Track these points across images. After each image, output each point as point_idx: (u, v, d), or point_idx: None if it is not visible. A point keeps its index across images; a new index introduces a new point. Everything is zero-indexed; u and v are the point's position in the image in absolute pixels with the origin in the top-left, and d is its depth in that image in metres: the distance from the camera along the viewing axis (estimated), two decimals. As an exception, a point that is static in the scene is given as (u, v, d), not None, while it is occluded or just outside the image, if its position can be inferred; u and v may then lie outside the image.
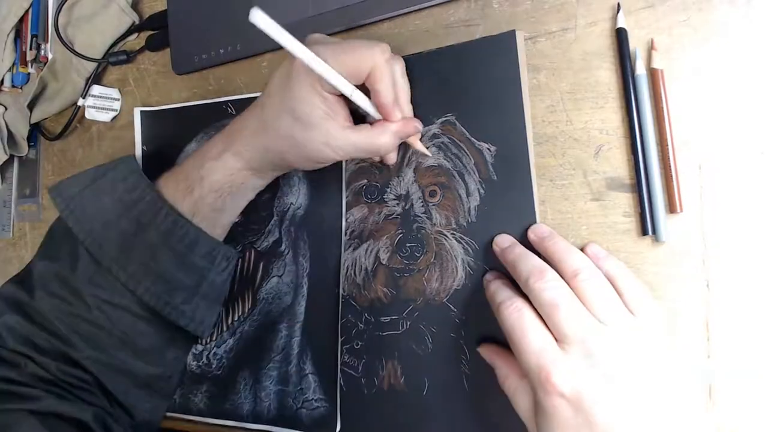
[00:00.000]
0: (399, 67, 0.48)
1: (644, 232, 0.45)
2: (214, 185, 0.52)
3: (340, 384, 0.55)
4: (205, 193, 0.51)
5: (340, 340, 0.55)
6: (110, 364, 0.50)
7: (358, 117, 0.50)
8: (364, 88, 0.47)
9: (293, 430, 0.57)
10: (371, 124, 0.48)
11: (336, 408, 0.55)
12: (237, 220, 0.57)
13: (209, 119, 0.64)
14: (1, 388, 0.46)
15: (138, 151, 0.68)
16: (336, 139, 0.47)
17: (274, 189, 0.60)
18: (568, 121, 0.48)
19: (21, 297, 0.50)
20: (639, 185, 0.45)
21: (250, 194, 0.55)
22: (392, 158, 0.53)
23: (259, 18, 0.39)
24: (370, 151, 0.49)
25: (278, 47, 0.60)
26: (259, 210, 0.60)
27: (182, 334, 0.53)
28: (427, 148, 0.52)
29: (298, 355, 0.58)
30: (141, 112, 0.68)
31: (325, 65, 0.43)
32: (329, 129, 0.47)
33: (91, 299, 0.49)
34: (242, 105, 0.62)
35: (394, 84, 0.47)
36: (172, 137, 0.66)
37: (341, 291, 0.56)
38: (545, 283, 0.41)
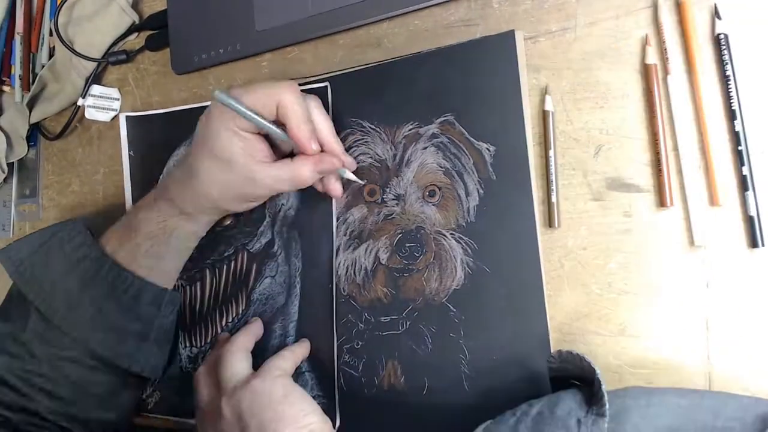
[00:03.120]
0: (314, 104, 0.51)
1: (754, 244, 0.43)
2: (149, 233, 0.54)
3: (340, 382, 0.55)
4: (140, 241, 0.54)
5: (335, 335, 0.55)
6: (68, 414, 0.53)
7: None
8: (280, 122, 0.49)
9: None
10: (292, 158, 0.51)
11: (335, 403, 0.55)
12: (180, 269, 0.60)
13: (195, 124, 0.64)
14: None
15: (125, 157, 0.68)
16: (257, 173, 0.50)
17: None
18: (568, 120, 0.48)
19: None
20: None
21: (189, 242, 0.58)
22: (336, 190, 0.54)
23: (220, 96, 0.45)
24: (293, 183, 0.51)
25: (278, 47, 0.61)
26: (252, 212, 0.60)
27: (135, 378, 0.56)
28: (425, 148, 0.52)
29: None
30: (127, 117, 0.68)
31: (235, 101, 0.47)
32: (249, 164, 0.50)
33: (43, 355, 0.51)
34: None
35: (308, 120, 0.49)
36: (160, 142, 0.66)
37: (338, 290, 0.56)
38: None
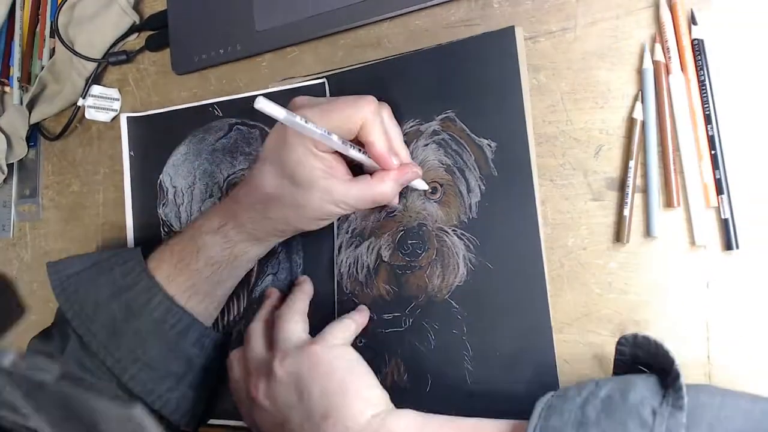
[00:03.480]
0: (386, 114, 0.49)
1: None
2: (213, 258, 0.52)
3: None
4: (201, 267, 0.52)
5: (336, 315, 0.56)
6: None
7: (356, 168, 0.51)
8: (356, 140, 0.48)
9: None
10: (371, 174, 0.49)
11: None
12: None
13: (195, 122, 0.65)
14: None
15: (125, 157, 0.68)
16: (339, 194, 0.47)
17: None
18: (569, 121, 0.48)
19: None
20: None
21: (250, 265, 0.56)
22: (396, 202, 0.53)
23: (263, 103, 0.41)
24: (374, 201, 0.49)
25: (277, 47, 0.61)
26: None
27: (165, 422, 0.53)
28: (426, 145, 0.52)
29: None
30: (127, 118, 0.68)
31: (316, 128, 0.44)
32: (331, 186, 0.47)
33: None
34: (228, 106, 0.63)
35: (385, 132, 0.48)
36: (159, 142, 0.67)
37: (340, 288, 0.56)
38: None
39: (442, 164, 0.52)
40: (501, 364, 0.49)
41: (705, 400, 0.36)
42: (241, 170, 0.62)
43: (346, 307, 0.56)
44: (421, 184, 0.52)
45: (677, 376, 0.36)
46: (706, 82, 0.44)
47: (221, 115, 0.63)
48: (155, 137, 0.67)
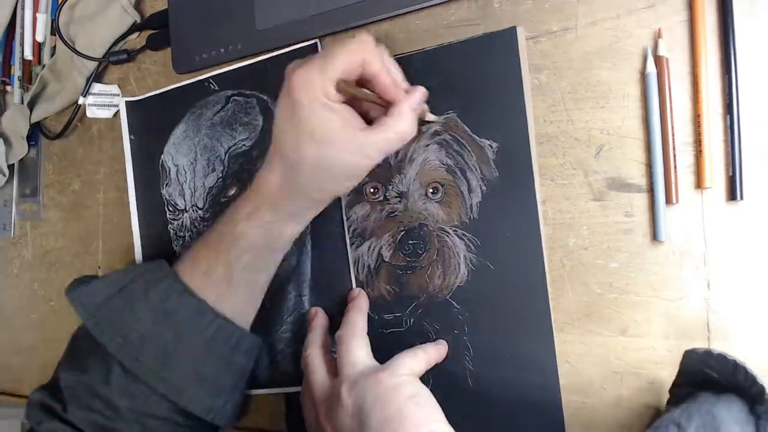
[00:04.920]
0: (384, 52, 0.47)
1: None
2: (252, 243, 0.50)
3: None
4: (240, 254, 0.50)
5: (353, 280, 0.55)
6: None
7: None
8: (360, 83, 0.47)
9: None
10: (377, 119, 0.47)
11: None
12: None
13: (192, 99, 0.65)
14: None
15: (126, 141, 0.68)
16: (364, 144, 0.45)
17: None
18: (569, 120, 0.48)
19: (54, 407, 0.49)
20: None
21: (286, 247, 0.54)
22: (415, 132, 0.49)
23: None
24: (401, 138, 0.46)
25: (278, 46, 0.61)
26: None
27: (213, 428, 0.53)
28: (428, 146, 0.52)
29: None
30: (126, 102, 0.68)
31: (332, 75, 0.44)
32: (353, 137, 0.45)
33: (128, 412, 0.48)
34: (223, 79, 0.63)
35: (388, 68, 0.46)
36: (158, 122, 0.67)
37: (348, 245, 0.56)
38: None
39: (443, 164, 0.52)
40: (502, 364, 0.49)
41: None
42: (241, 141, 0.62)
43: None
44: (432, 116, 0.51)
45: None
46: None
47: (217, 88, 0.64)
48: (154, 119, 0.67)
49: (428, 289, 0.52)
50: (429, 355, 0.50)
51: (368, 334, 0.53)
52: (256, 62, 0.62)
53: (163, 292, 0.49)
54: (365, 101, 0.47)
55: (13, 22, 0.76)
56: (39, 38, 0.75)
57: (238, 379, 0.52)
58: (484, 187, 0.51)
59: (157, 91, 0.67)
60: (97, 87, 0.71)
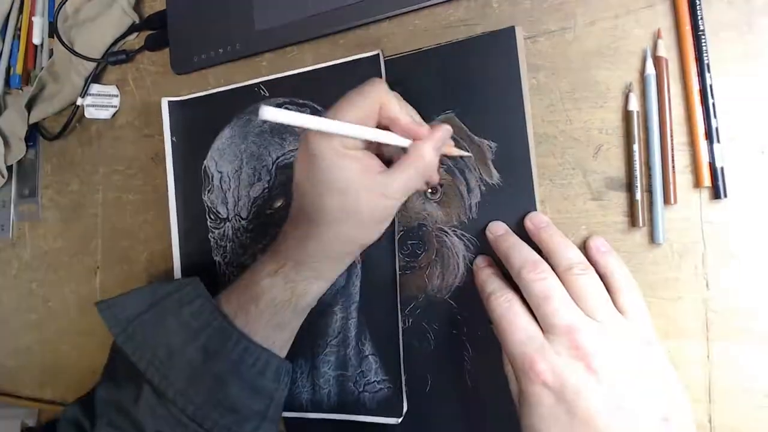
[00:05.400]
0: (397, 96, 0.46)
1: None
2: (274, 301, 0.48)
3: (403, 363, 0.53)
4: (263, 309, 0.48)
5: (400, 315, 0.54)
6: None
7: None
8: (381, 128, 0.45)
9: (357, 415, 0.55)
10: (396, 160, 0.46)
11: (401, 387, 0.53)
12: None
13: (240, 104, 0.63)
14: None
15: (167, 143, 0.65)
16: (386, 186, 0.44)
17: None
18: (568, 120, 0.48)
19: (84, 425, 0.49)
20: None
21: (311, 304, 0.51)
22: (436, 177, 0.50)
23: (269, 114, 0.38)
24: (423, 174, 0.45)
25: (277, 47, 0.61)
26: None
27: None
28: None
29: (356, 336, 0.55)
30: (168, 102, 0.66)
31: (341, 123, 0.42)
32: (373, 181, 0.44)
33: None
34: (276, 85, 0.61)
35: (405, 109, 0.46)
36: (202, 126, 0.64)
37: (397, 266, 0.54)
38: (538, 274, 0.43)
39: (442, 164, 0.52)
40: (501, 364, 0.49)
41: None
42: (290, 151, 0.59)
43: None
44: (458, 151, 0.50)
45: None
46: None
47: (268, 95, 0.61)
48: (198, 122, 0.65)
49: (427, 290, 0.52)
50: None
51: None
52: (310, 70, 0.59)
53: (197, 311, 0.48)
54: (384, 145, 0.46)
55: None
56: (36, 41, 0.75)
57: (267, 406, 0.49)
58: (482, 187, 0.51)
59: (203, 93, 0.65)
60: (95, 88, 0.71)
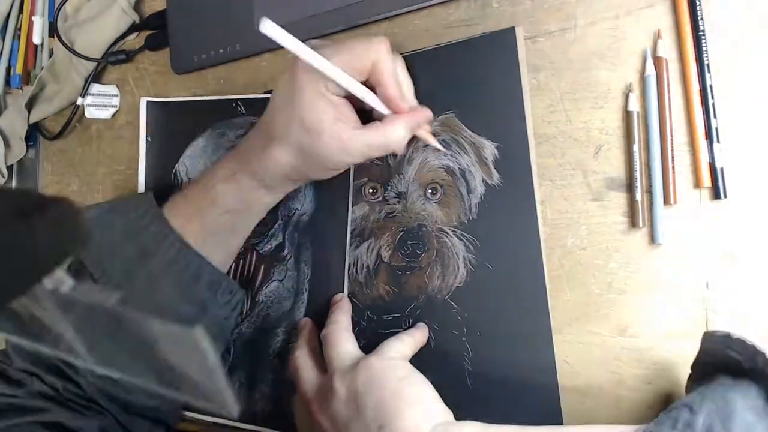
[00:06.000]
0: (400, 63, 0.48)
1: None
2: (227, 206, 0.51)
3: None
4: (216, 215, 0.51)
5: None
6: (110, 393, 0.50)
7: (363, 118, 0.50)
8: (367, 85, 0.46)
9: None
10: (379, 121, 0.48)
11: None
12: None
13: (218, 116, 0.63)
14: (7, 403, 0.47)
15: (142, 141, 0.66)
16: (350, 142, 0.46)
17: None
18: (568, 120, 0.48)
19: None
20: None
21: (261, 213, 0.55)
22: (404, 150, 0.51)
23: (269, 27, 0.39)
24: (385, 148, 0.47)
25: (277, 47, 0.61)
26: None
27: None
28: (426, 146, 0.52)
29: None
30: (147, 102, 0.67)
31: (331, 65, 0.43)
32: (341, 133, 0.45)
33: None
34: (251, 104, 0.62)
35: (396, 77, 0.47)
36: (178, 130, 0.65)
37: (347, 294, 0.56)
38: None
39: (443, 165, 0.52)
40: (501, 364, 0.49)
41: None
42: None
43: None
44: (433, 141, 0.51)
45: None
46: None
47: (244, 112, 0.62)
48: (174, 125, 0.66)
49: (427, 290, 0.52)
50: (415, 338, 0.51)
51: (367, 334, 0.54)
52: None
53: (141, 214, 0.50)
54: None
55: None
56: (36, 41, 0.75)
57: (197, 313, 0.51)
58: (483, 188, 0.51)
59: (182, 99, 0.66)
60: (95, 87, 0.71)
